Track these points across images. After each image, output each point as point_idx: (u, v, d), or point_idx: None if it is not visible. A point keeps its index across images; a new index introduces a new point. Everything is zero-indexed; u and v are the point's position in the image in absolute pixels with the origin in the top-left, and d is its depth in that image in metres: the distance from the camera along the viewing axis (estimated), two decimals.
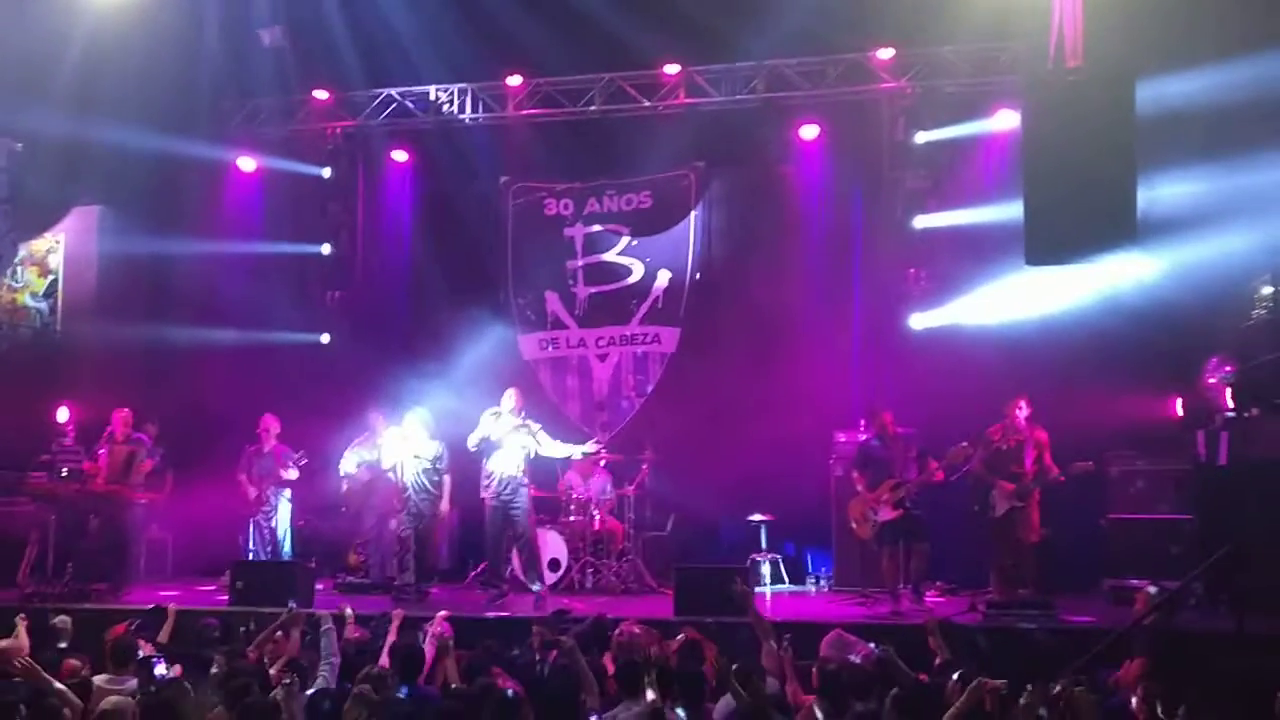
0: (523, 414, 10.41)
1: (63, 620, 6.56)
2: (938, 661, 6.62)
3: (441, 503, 10.51)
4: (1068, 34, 7.92)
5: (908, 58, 11.79)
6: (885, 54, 11.77)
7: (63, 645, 7.40)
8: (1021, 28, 9.45)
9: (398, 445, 10.51)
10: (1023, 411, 9.67)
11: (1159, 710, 5.53)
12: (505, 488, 10.18)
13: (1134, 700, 5.84)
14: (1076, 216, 7.76)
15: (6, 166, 10.00)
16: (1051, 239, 7.92)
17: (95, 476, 10.64)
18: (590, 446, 11.24)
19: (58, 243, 13.08)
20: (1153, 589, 7.61)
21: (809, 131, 12.44)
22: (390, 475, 10.75)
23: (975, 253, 11.20)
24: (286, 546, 11.54)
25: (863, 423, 11.19)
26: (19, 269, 12.70)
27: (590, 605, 9.52)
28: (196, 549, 12.02)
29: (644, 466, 11.67)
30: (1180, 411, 10.42)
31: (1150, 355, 10.20)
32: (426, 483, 10.38)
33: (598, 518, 11.45)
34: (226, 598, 9.93)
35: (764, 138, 12.63)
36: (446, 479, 10.48)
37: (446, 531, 12.00)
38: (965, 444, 9.52)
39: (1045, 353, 10.67)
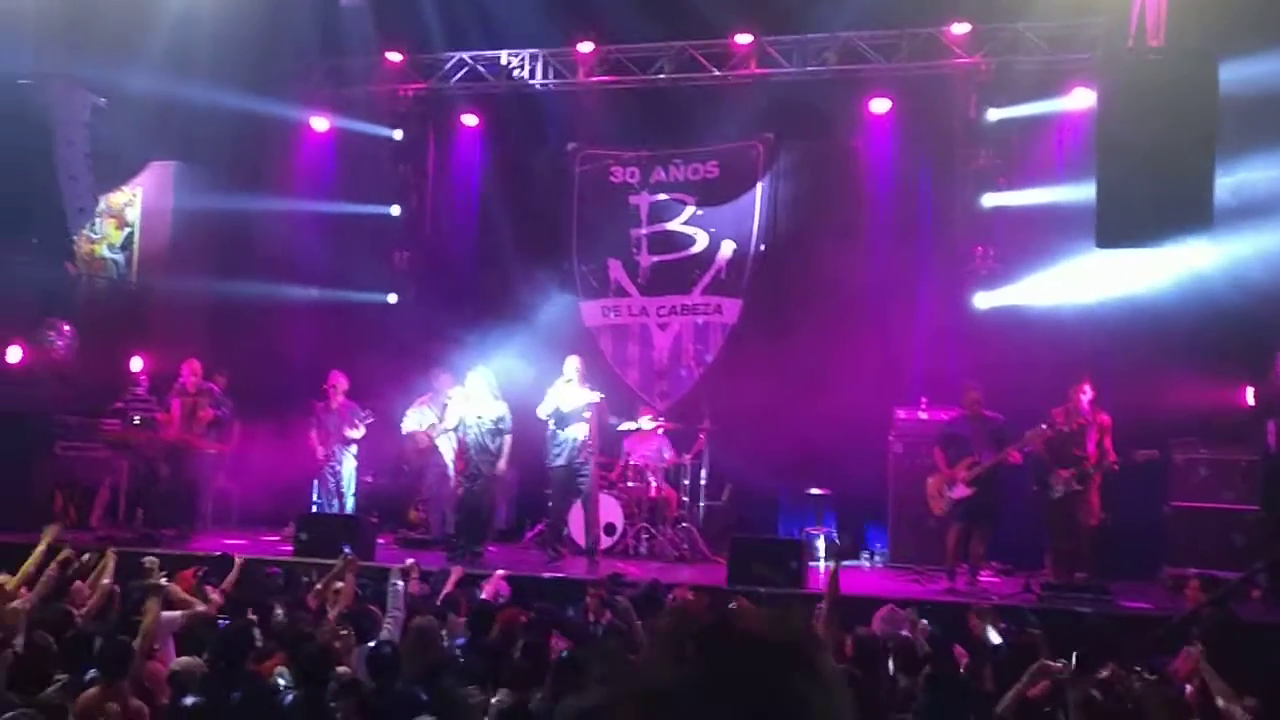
0: (587, 383, 10.45)
1: (150, 560, 6.79)
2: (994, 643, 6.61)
3: (500, 463, 10.51)
4: (1149, 12, 7.79)
5: (983, 33, 11.63)
6: (960, 29, 11.62)
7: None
8: (1102, 5, 9.31)
9: (461, 405, 10.53)
10: (1086, 395, 9.55)
11: (1217, 700, 5.49)
12: (577, 455, 10.24)
13: (1189, 689, 5.82)
14: (1151, 199, 7.65)
15: (91, 121, 10.21)
16: (1124, 221, 7.82)
17: (167, 426, 10.91)
18: (645, 423, 11.21)
19: (134, 196, 13.36)
20: None
21: (880, 106, 12.33)
22: (453, 434, 10.84)
23: (1043, 233, 11.07)
24: (350, 502, 11.74)
25: (924, 400, 11.14)
26: (97, 221, 12.99)
27: (644, 570, 9.61)
28: (261, 500, 12.27)
29: (701, 436, 11.71)
30: (1251, 400, 10.24)
31: (1221, 342, 10.02)
32: (488, 443, 10.31)
33: (654, 484, 11.53)
34: (290, 548, 10.14)
35: (834, 111, 12.56)
36: (506, 440, 10.41)
37: (505, 492, 12.16)
38: (1044, 425, 9.42)
39: (1112, 336, 10.55)
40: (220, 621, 6.37)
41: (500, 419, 10.29)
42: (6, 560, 7.14)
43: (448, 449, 11.22)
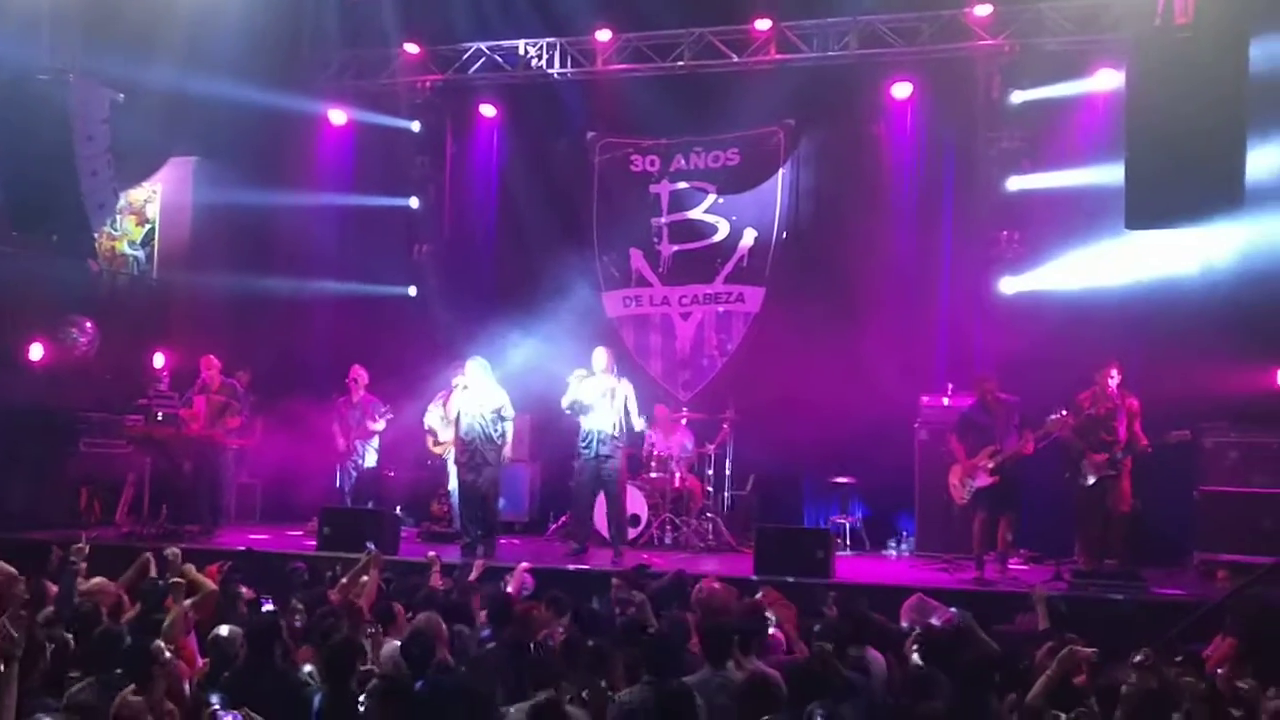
0: (615, 371, 10.32)
1: (173, 553, 6.79)
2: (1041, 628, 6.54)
3: (505, 450, 10.40)
4: None
5: (1006, 14, 11.49)
6: (983, 10, 11.48)
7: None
8: None
9: (460, 396, 10.37)
10: (1114, 379, 9.42)
11: (1244, 688, 5.41)
12: (603, 447, 10.07)
13: (1219, 676, 5.73)
14: (1180, 180, 7.56)
15: (109, 117, 10.19)
16: (1153, 202, 7.74)
17: (190, 422, 10.92)
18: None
19: (154, 192, 13.38)
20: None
21: (902, 90, 12.21)
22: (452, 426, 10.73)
23: (1069, 216, 10.96)
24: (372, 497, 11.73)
25: (950, 387, 11.04)
26: (118, 217, 13.01)
27: (669, 561, 9.56)
28: (284, 494, 12.30)
29: (725, 426, 11.65)
30: None
31: (1251, 325, 9.86)
32: (491, 432, 10.13)
33: (678, 475, 11.48)
34: (314, 542, 10.14)
35: (856, 96, 12.46)
36: (509, 428, 10.22)
37: (528, 484, 12.13)
38: (1064, 412, 9.31)
39: (1140, 320, 10.43)
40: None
41: (500, 407, 10.14)
42: (30, 559, 7.13)
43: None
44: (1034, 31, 11.43)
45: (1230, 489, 9.82)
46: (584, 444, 10.17)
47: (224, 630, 5.38)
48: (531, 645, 5.87)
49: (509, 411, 10.19)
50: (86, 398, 11.70)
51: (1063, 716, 4.23)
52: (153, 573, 7.00)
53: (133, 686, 4.52)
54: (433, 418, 11.73)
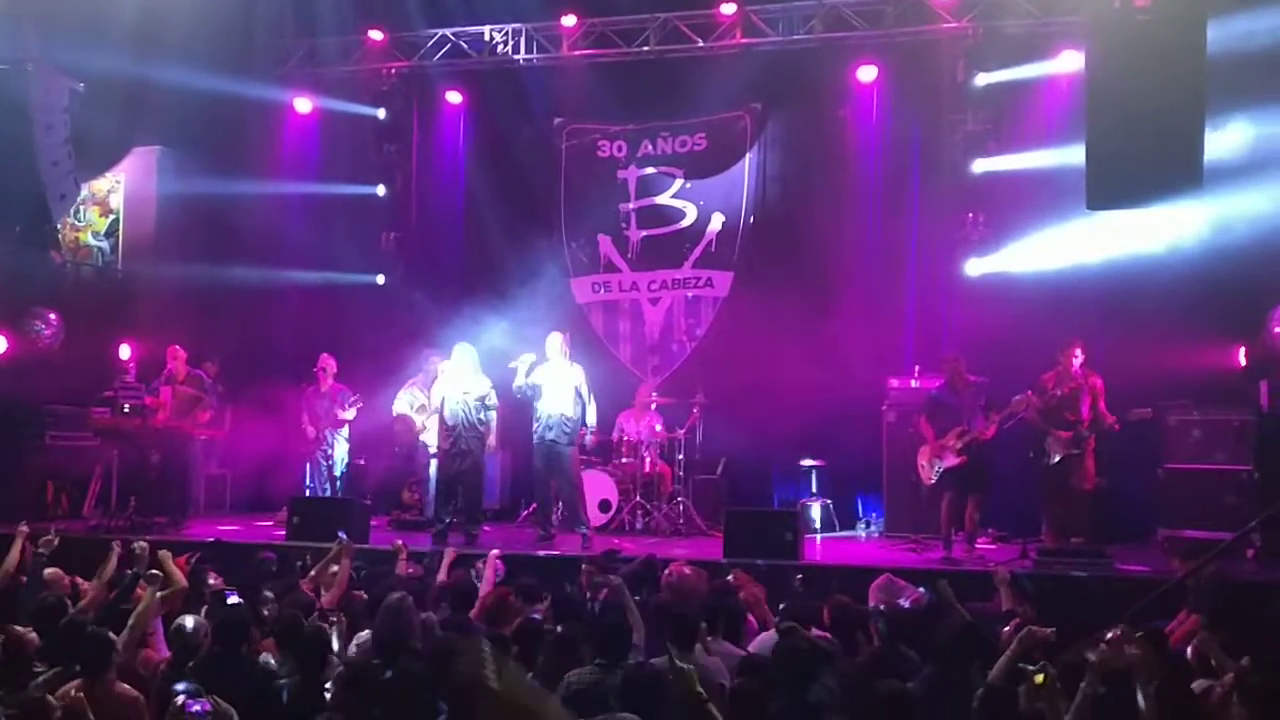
0: (569, 357, 10.34)
1: (141, 547, 6.75)
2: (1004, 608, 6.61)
3: (490, 439, 10.38)
4: None
5: None
6: None
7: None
8: None
9: (445, 381, 10.40)
10: (1078, 358, 9.52)
11: (1213, 662, 5.49)
12: (549, 431, 10.09)
13: (1189, 650, 5.81)
14: (1141, 160, 7.63)
15: (69, 106, 10.09)
16: (1114, 183, 7.80)
17: (157, 412, 10.85)
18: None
19: (118, 182, 13.25)
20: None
21: (867, 73, 12.24)
22: (434, 413, 10.74)
23: (1034, 197, 11.02)
24: (340, 485, 11.69)
25: (917, 369, 11.11)
26: (81, 208, 12.88)
27: (640, 546, 9.58)
28: (254, 485, 12.24)
29: (695, 410, 11.68)
30: (1243, 361, 10.23)
31: (1212, 303, 9.98)
32: (475, 420, 10.18)
33: (648, 460, 11.51)
34: (283, 532, 10.11)
35: (821, 79, 12.47)
36: (493, 416, 10.30)
37: (499, 471, 12.13)
38: (1029, 392, 9.40)
39: (1104, 300, 10.53)
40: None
41: (485, 395, 10.19)
42: None
43: (433, 429, 11.12)
44: (997, 14, 11.48)
45: (1193, 466, 9.92)
46: (535, 427, 10.18)
47: (188, 621, 5.36)
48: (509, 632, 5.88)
49: (493, 400, 10.22)
50: (52, 390, 11.58)
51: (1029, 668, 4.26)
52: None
53: (77, 682, 4.51)
54: (401, 404, 11.72)
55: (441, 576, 7.50)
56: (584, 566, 7.65)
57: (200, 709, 4.24)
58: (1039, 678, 4.13)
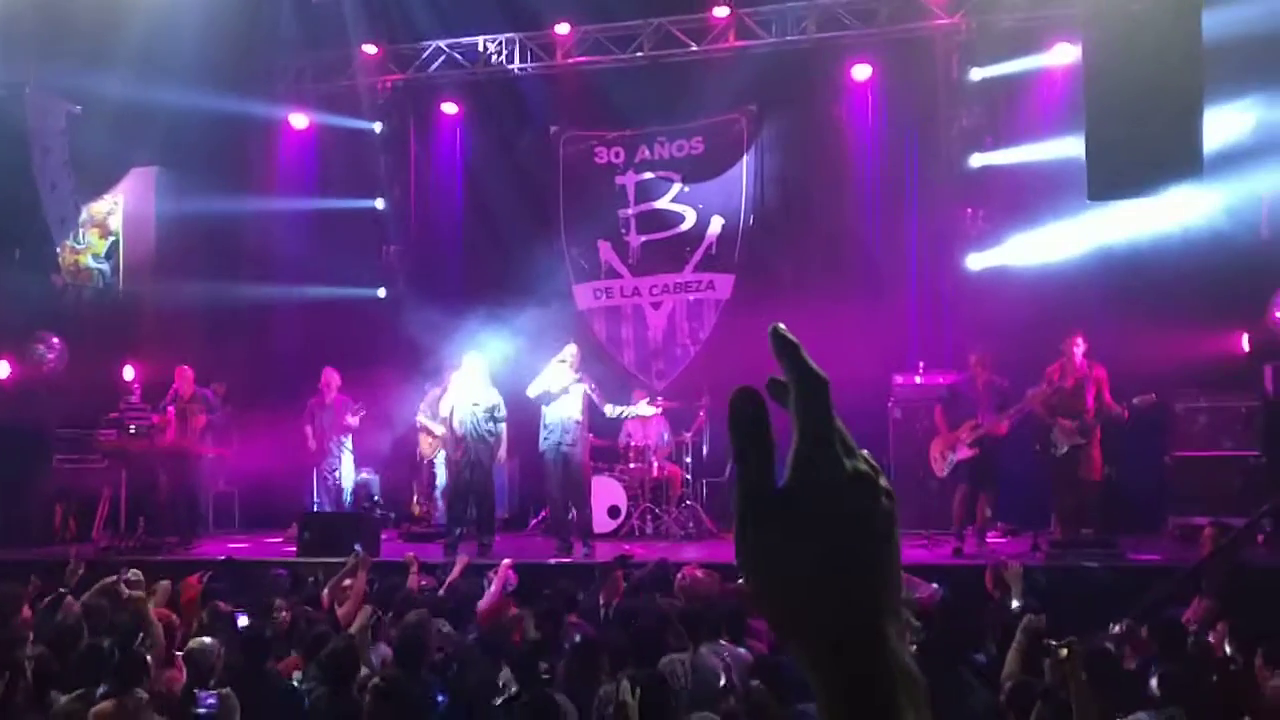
0: (579, 373, 10.28)
1: (135, 574, 6.75)
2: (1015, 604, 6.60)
3: (499, 451, 10.40)
4: None
5: None
6: None
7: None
8: None
9: (455, 392, 10.38)
10: (1079, 348, 9.51)
11: (1228, 648, 5.50)
12: (566, 435, 10.06)
13: (1211, 637, 5.82)
14: (1140, 150, 7.65)
15: (67, 129, 10.11)
16: (1114, 173, 7.82)
17: (164, 430, 10.85)
18: (644, 408, 11.03)
19: (117, 204, 13.24)
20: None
21: (861, 72, 12.26)
22: (440, 424, 10.73)
23: (1033, 190, 11.04)
24: (348, 497, 11.68)
25: (921, 365, 11.12)
26: (81, 231, 12.88)
27: (651, 551, 9.59)
28: (263, 502, 12.25)
29: (701, 413, 11.67)
30: (1246, 346, 10.25)
31: (1215, 290, 9.99)
32: (484, 431, 10.17)
33: (656, 464, 11.51)
34: (294, 548, 10.10)
35: (816, 79, 12.50)
36: (503, 427, 10.30)
37: (507, 480, 12.12)
38: (1044, 385, 9.42)
39: (1106, 290, 10.54)
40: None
41: (495, 406, 10.19)
42: (7, 579, 7.08)
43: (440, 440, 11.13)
44: (989, 8, 11.49)
45: (1201, 453, 9.96)
46: (545, 434, 10.12)
47: (201, 643, 5.35)
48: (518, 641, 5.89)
49: (502, 412, 10.21)
50: (57, 414, 11.59)
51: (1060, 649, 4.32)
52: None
53: (110, 702, 4.51)
54: (424, 416, 11.72)
55: (444, 589, 7.50)
56: (599, 574, 7.65)
57: (211, 701, 4.27)
58: (1064, 651, 4.19)
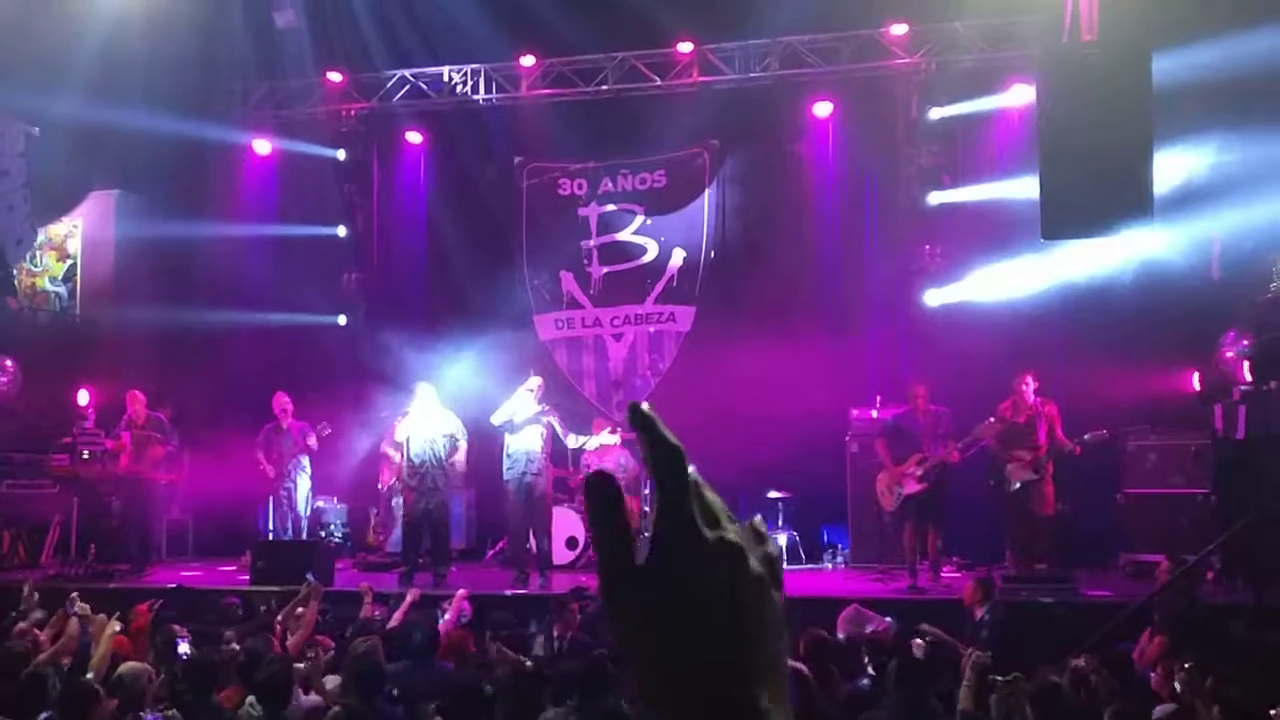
0: (543, 404, 10.28)
1: (83, 607, 6.67)
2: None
3: (460, 468, 10.31)
4: (1083, 7, 7.91)
5: (921, 33, 11.74)
6: (899, 30, 11.73)
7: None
8: (1036, 2, 9.42)
9: (409, 421, 10.36)
10: (1030, 386, 9.63)
11: (1177, 684, 5.55)
12: (531, 465, 10.05)
13: (1154, 675, 5.88)
14: (1093, 190, 7.78)
15: (24, 151, 10.05)
16: (1068, 212, 7.94)
17: (118, 456, 10.73)
18: (607, 437, 11.07)
19: (75, 227, 13.14)
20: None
21: (823, 109, 12.42)
22: (395, 453, 10.71)
23: (990, 228, 11.19)
24: (304, 524, 11.56)
25: (878, 399, 11.20)
26: (38, 253, 12.77)
27: None
28: (216, 529, 12.13)
29: None
30: (1197, 385, 10.41)
31: (1167, 330, 10.17)
32: (441, 458, 10.15)
33: None
34: (247, 577, 10.00)
35: (778, 116, 12.64)
36: (461, 451, 10.30)
37: (464, 509, 12.07)
38: (992, 420, 9.51)
39: (1060, 328, 10.70)
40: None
41: (452, 432, 10.18)
42: None
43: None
44: (949, 49, 11.70)
45: (1152, 490, 10.07)
46: (509, 466, 10.12)
47: (131, 668, 5.29)
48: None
49: (462, 433, 10.22)
50: (8, 437, 11.45)
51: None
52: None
53: None
54: (388, 446, 11.66)
55: (395, 620, 7.43)
56: (554, 605, 7.63)
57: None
58: (1007, 688, 4.26)
